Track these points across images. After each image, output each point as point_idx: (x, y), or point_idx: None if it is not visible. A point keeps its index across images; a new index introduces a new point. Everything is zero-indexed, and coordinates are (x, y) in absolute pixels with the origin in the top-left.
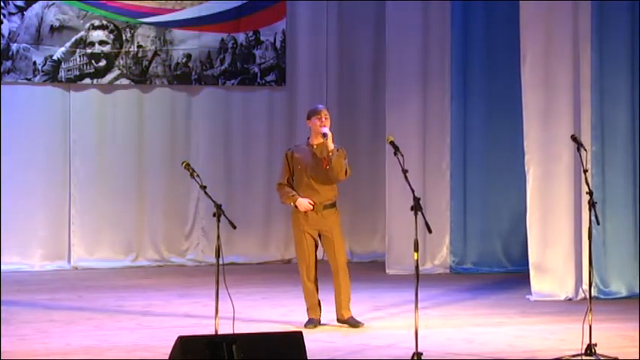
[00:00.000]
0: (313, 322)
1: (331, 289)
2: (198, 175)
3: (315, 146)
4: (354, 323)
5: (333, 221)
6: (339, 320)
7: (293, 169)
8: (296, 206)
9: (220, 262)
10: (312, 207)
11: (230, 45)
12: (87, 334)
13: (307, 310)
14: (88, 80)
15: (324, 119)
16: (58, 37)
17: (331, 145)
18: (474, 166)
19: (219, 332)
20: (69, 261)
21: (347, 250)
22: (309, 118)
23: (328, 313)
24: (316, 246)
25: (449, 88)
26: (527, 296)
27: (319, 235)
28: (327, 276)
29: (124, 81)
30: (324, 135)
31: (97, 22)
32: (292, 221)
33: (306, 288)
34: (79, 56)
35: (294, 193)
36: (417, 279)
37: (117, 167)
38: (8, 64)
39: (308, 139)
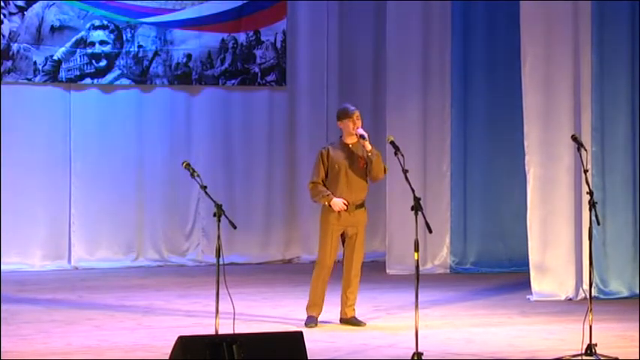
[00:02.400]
0: (313, 321)
1: (336, 290)
2: (198, 175)
3: (350, 145)
4: (356, 322)
5: (362, 220)
6: (342, 320)
7: (328, 168)
8: (330, 206)
9: (221, 262)
10: (346, 207)
11: (230, 45)
12: (87, 334)
13: (308, 306)
14: (88, 80)
15: (355, 120)
16: (59, 37)
17: (369, 146)
18: (474, 167)
19: (220, 332)
20: (69, 261)
21: None
22: (340, 119)
23: (329, 313)
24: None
25: (449, 89)
26: (528, 296)
27: (344, 233)
28: (334, 276)
29: (125, 81)
30: (362, 137)
31: (97, 22)
32: (321, 220)
33: (316, 285)
34: (80, 56)
35: (329, 192)
36: (417, 279)
37: (117, 167)
38: (9, 64)
39: (340, 137)
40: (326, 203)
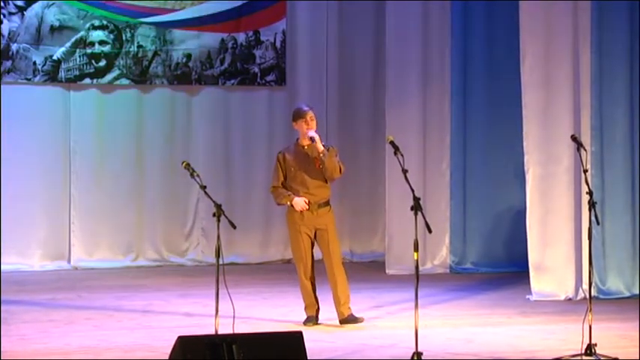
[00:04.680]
0: (311, 320)
1: (329, 290)
2: (198, 175)
3: (305, 147)
4: (353, 320)
5: (328, 219)
6: (341, 321)
7: (286, 171)
8: (292, 206)
9: (220, 262)
10: (307, 206)
11: (230, 45)
12: (87, 334)
13: (305, 308)
14: (88, 80)
15: (309, 121)
16: (58, 37)
17: (320, 147)
18: (473, 166)
19: (219, 332)
20: (69, 261)
21: (347, 250)
22: (294, 120)
23: (329, 313)
24: (312, 244)
25: (449, 88)
26: (527, 296)
27: (315, 234)
28: (323, 277)
29: (124, 81)
30: (312, 139)
31: (97, 22)
32: (288, 221)
33: (304, 286)
34: (79, 56)
35: (289, 193)
36: (417, 279)
37: (117, 167)
38: (8, 64)
39: (297, 139)
40: (288, 203)
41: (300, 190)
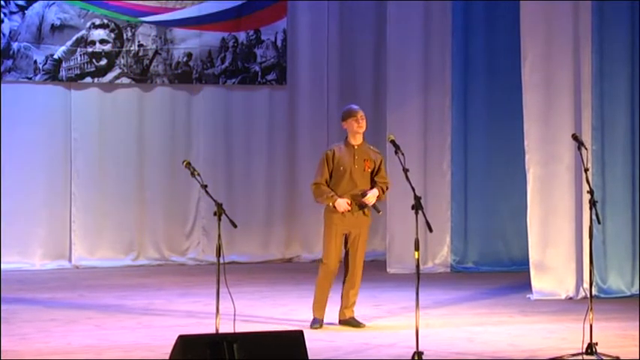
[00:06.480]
0: (318, 322)
1: (337, 290)
2: (199, 174)
3: (355, 147)
4: (355, 324)
5: (365, 221)
6: (341, 321)
7: (333, 170)
8: (334, 207)
9: (221, 261)
10: (350, 207)
11: (231, 44)
12: (88, 334)
13: (314, 305)
14: (89, 79)
15: (359, 120)
16: (59, 35)
17: (373, 198)
18: (474, 165)
19: (220, 331)
20: (70, 260)
21: None
22: (344, 119)
23: (329, 313)
24: (345, 245)
25: (449, 88)
26: (528, 295)
27: (347, 235)
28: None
29: (125, 80)
30: (363, 205)
31: (97, 21)
32: (325, 220)
33: (321, 285)
34: (80, 55)
35: (332, 193)
36: (418, 278)
37: (118, 166)
38: (9, 62)
39: (346, 138)
40: (330, 204)
41: (346, 190)
